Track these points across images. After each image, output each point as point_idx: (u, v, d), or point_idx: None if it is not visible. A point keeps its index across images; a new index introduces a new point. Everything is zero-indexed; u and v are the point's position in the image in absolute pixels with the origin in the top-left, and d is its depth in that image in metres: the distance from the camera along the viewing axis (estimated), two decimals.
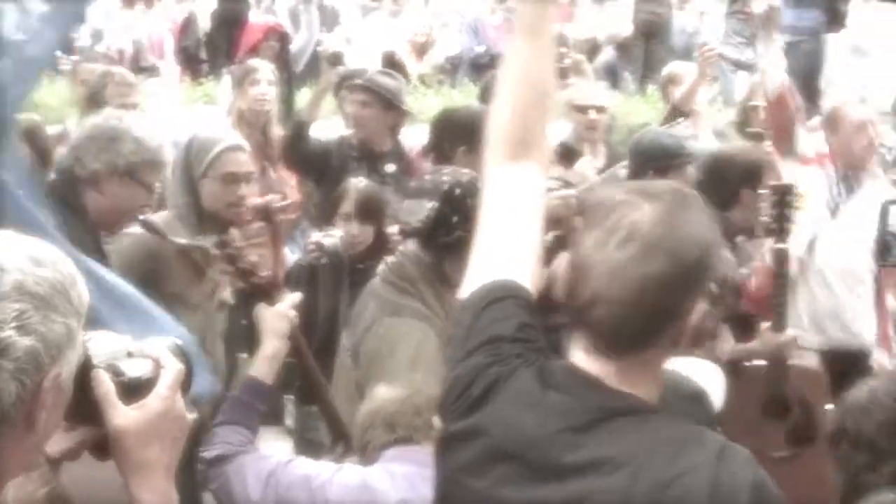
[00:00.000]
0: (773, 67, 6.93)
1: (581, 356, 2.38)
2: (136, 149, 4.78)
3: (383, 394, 3.73)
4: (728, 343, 5.56)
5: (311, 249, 5.89)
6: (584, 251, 2.33)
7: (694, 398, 3.58)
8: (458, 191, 4.28)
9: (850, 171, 6.35)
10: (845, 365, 5.97)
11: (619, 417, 2.32)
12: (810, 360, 5.81)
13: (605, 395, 2.34)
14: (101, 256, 4.50)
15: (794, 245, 5.88)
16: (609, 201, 2.36)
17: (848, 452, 3.54)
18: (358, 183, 6.12)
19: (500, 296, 2.49)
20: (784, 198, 5.63)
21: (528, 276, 2.54)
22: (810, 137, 6.82)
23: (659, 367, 2.41)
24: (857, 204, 6.21)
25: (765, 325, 5.60)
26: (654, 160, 6.34)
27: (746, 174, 5.87)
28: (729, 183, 5.82)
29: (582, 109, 7.55)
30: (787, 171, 6.37)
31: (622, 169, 6.59)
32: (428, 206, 4.35)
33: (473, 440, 2.39)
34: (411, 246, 4.48)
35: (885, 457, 3.47)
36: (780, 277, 5.64)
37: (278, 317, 4.10)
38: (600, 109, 7.65)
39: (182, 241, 4.91)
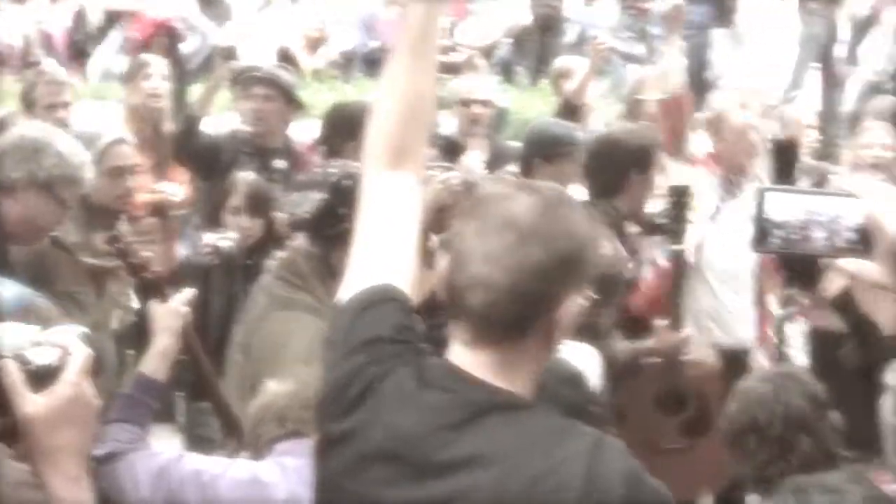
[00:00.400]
0: (672, 67, 7.01)
1: (459, 349, 2.42)
2: (58, 163, 4.78)
3: (274, 388, 3.74)
4: (622, 343, 5.63)
5: (207, 252, 5.88)
6: (462, 240, 2.39)
7: (571, 380, 3.64)
8: (346, 182, 4.29)
9: (731, 175, 6.40)
10: (725, 365, 6.06)
11: (495, 413, 2.36)
12: (706, 354, 5.88)
13: (481, 391, 2.37)
14: (8, 267, 4.50)
15: (689, 245, 6.00)
16: (489, 195, 2.43)
17: (755, 445, 3.62)
18: (246, 177, 6.15)
19: (379, 299, 2.53)
20: (681, 199, 5.69)
21: (405, 283, 2.58)
22: (699, 138, 6.91)
23: (535, 361, 2.45)
24: (737, 207, 6.26)
25: (660, 322, 5.65)
26: (543, 147, 6.39)
27: (634, 158, 5.87)
28: (616, 167, 5.83)
29: (466, 103, 7.61)
30: (677, 172, 6.47)
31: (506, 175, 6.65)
32: (315, 197, 4.35)
33: (351, 441, 2.42)
34: (301, 241, 4.49)
35: (792, 449, 3.56)
36: (676, 278, 5.71)
37: (170, 313, 4.09)
38: (485, 104, 7.72)
39: (91, 260, 4.93)
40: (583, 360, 4.31)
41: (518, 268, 2.33)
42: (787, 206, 2.16)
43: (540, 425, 2.37)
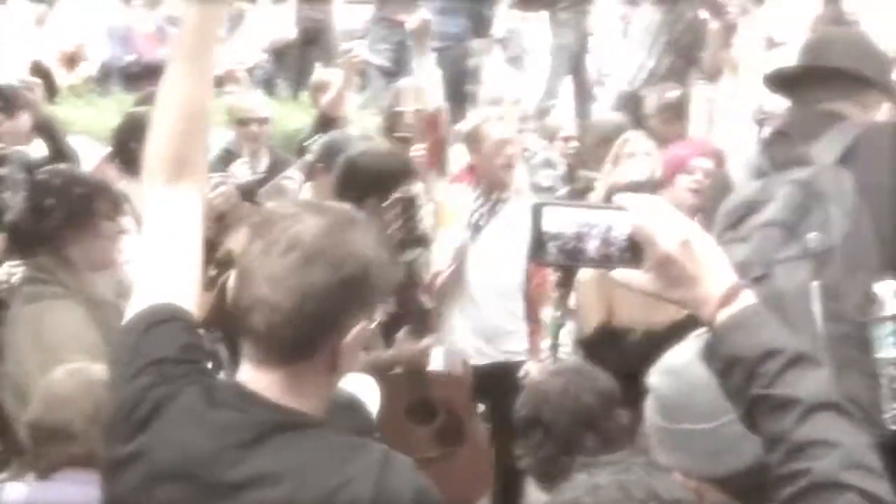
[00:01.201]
0: (427, 84, 7.09)
1: (248, 368, 2.42)
2: None
3: (56, 398, 3.59)
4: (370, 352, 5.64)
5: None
6: (248, 259, 2.38)
7: (350, 407, 3.68)
8: (42, 177, 4.44)
9: (491, 189, 6.46)
10: (496, 378, 6.17)
11: (283, 432, 2.37)
12: (453, 365, 5.95)
13: (269, 410, 2.38)
14: None
15: (440, 258, 6.09)
16: (276, 214, 2.43)
17: (541, 441, 3.69)
18: None
19: (163, 318, 2.51)
20: (408, 209, 5.71)
21: (189, 299, 2.57)
22: (457, 151, 7.01)
23: (323, 382, 2.47)
24: (500, 223, 6.37)
25: (401, 334, 5.63)
26: (326, 156, 6.36)
27: (374, 183, 5.69)
28: (360, 187, 5.63)
29: (244, 122, 7.65)
30: (439, 189, 6.52)
31: (286, 180, 6.67)
32: (19, 201, 4.38)
33: (139, 462, 2.38)
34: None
35: (577, 445, 3.65)
36: (408, 288, 5.68)
37: None
38: (262, 121, 7.82)
39: None
40: (362, 387, 4.35)
41: (301, 290, 2.33)
42: (561, 219, 2.23)
43: (329, 443, 2.39)
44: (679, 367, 2.67)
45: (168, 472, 2.35)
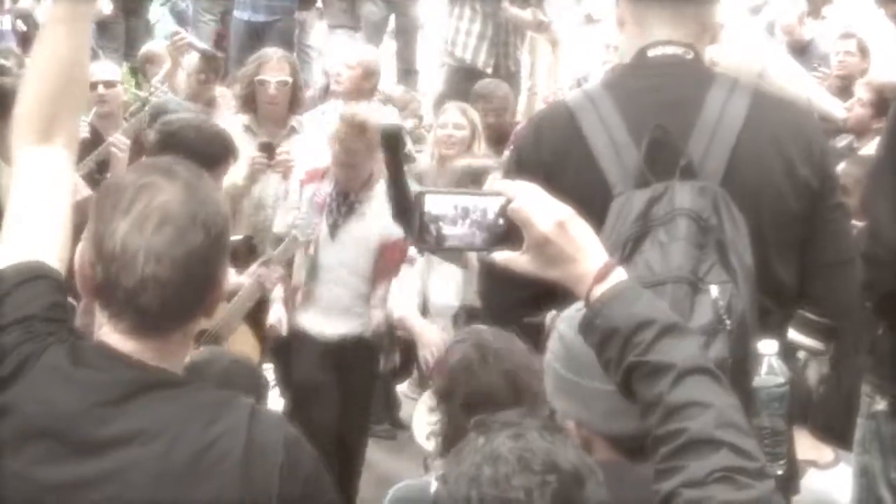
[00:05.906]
0: None
1: (115, 337, 2.44)
2: None
3: None
4: None
5: None
6: (119, 239, 2.37)
7: (249, 370, 3.73)
8: None
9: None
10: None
11: (151, 390, 2.39)
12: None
13: (136, 369, 2.40)
14: None
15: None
16: (130, 186, 2.42)
17: (457, 411, 3.71)
18: None
19: (31, 276, 2.51)
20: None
21: (56, 259, 2.59)
22: None
23: (190, 337, 2.53)
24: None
25: None
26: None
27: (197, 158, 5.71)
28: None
29: (91, 86, 7.60)
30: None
31: (111, 147, 6.75)
32: None
33: (4, 419, 2.36)
34: None
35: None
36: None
37: None
38: (108, 84, 7.76)
39: None
40: None
41: (186, 259, 2.37)
42: (441, 206, 2.35)
43: (197, 400, 2.44)
44: None
45: (35, 430, 2.35)
